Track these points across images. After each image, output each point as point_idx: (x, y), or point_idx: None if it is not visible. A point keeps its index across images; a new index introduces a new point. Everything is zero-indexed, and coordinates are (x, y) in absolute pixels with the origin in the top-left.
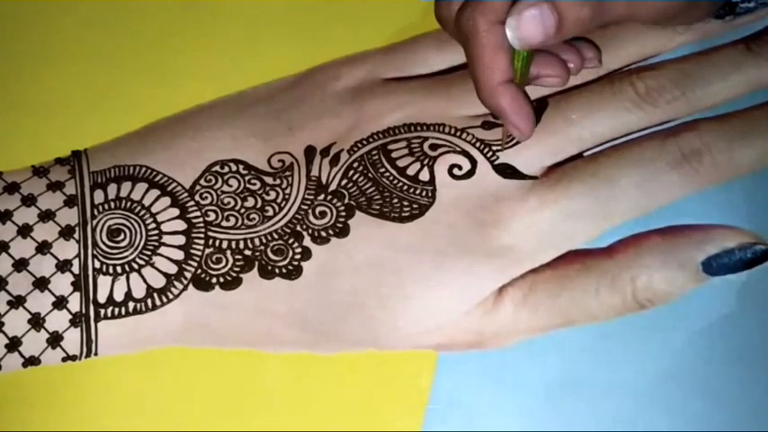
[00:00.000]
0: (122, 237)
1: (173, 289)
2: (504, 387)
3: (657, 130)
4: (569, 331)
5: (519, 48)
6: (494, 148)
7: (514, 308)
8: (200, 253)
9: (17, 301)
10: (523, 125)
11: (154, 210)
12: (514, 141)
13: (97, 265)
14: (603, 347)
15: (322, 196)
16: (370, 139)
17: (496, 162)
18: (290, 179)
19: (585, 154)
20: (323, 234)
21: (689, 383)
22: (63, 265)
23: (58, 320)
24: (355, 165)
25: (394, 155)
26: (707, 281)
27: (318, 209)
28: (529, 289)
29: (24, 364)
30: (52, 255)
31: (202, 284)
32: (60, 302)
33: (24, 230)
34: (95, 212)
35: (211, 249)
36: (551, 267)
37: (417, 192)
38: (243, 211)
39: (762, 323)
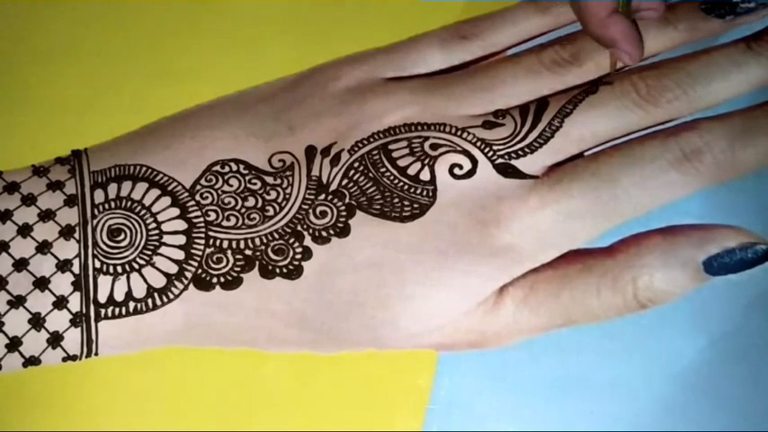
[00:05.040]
0: (123, 236)
1: (173, 289)
2: (504, 387)
3: (658, 129)
4: (569, 331)
5: None
6: (497, 150)
7: (515, 307)
8: (200, 253)
9: (17, 301)
10: (634, 50)
11: (154, 209)
12: (622, 67)
13: (97, 264)
14: (604, 347)
15: (323, 196)
16: (371, 139)
17: (497, 161)
18: (290, 179)
19: (586, 153)
20: (323, 234)
21: (689, 383)
22: (63, 265)
23: (58, 320)
24: (356, 164)
25: (395, 154)
26: (708, 281)
27: (319, 208)
28: (530, 288)
29: (25, 364)
30: (52, 254)
31: (203, 284)
32: (61, 302)
33: (24, 230)
34: (96, 212)
35: (212, 249)
36: (552, 267)
37: (418, 191)
38: (243, 210)
39: (762, 323)
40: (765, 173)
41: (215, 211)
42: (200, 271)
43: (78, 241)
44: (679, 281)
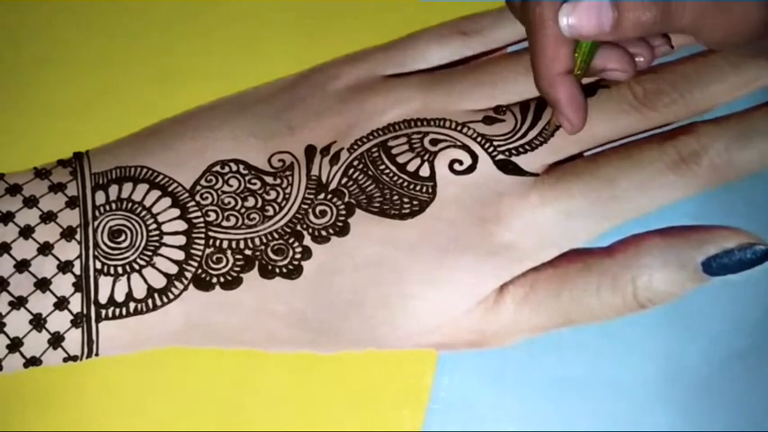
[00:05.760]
0: (123, 237)
1: (173, 289)
2: (504, 387)
3: (657, 132)
4: (569, 331)
5: (568, 35)
6: (497, 145)
7: (515, 306)
8: (200, 253)
9: (19, 302)
10: (576, 118)
11: (155, 210)
12: (555, 130)
13: (98, 265)
14: (603, 347)
15: (322, 195)
16: (370, 137)
17: (498, 157)
18: (290, 178)
19: (585, 154)
20: (323, 233)
21: (689, 383)
22: (64, 266)
23: (59, 321)
24: (355, 163)
25: (394, 151)
26: (707, 281)
27: (318, 208)
28: (530, 287)
29: (26, 365)
30: (54, 256)
31: (203, 284)
32: (61, 303)
33: (26, 232)
34: (97, 214)
35: (212, 249)
36: (553, 266)
37: (417, 188)
38: (243, 210)
39: (761, 323)
40: (765, 173)
41: (215, 212)
42: (199, 271)
43: (79, 242)
44: (678, 281)
